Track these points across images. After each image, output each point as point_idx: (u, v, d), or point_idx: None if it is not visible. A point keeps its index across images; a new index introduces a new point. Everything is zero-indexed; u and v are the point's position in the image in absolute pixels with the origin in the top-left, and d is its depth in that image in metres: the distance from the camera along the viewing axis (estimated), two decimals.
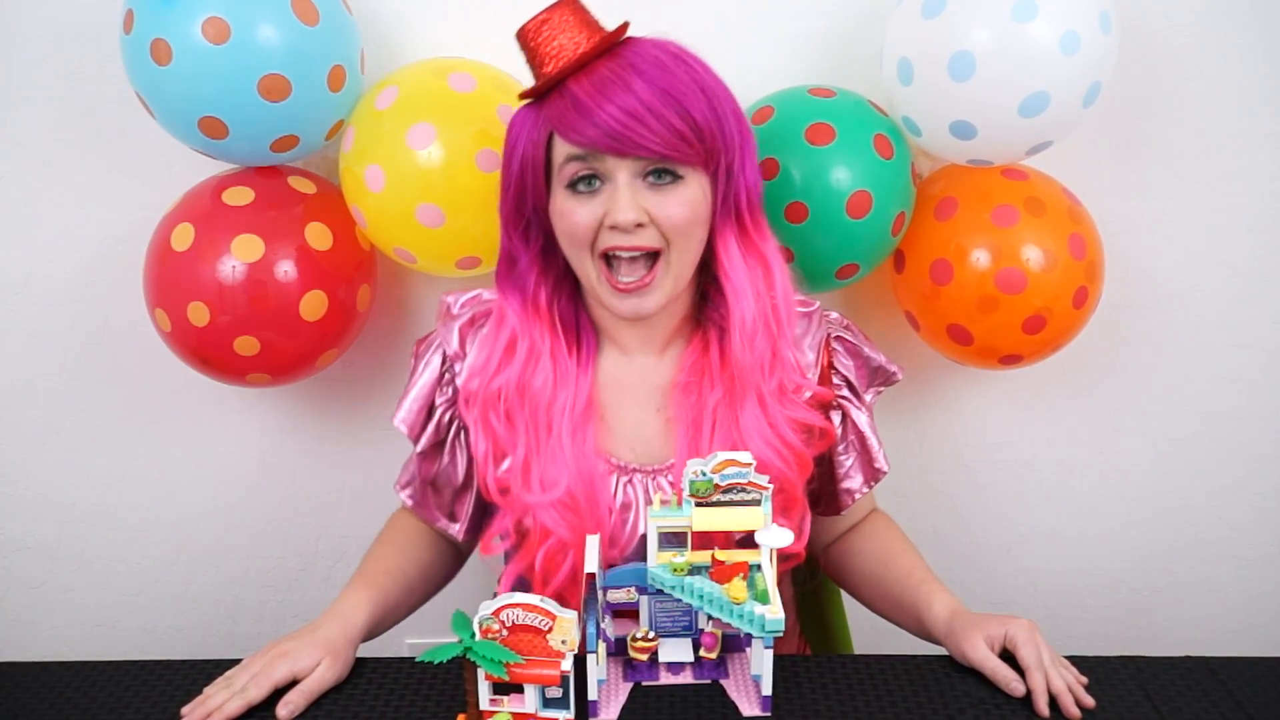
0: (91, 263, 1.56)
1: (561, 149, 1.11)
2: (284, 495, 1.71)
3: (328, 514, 1.72)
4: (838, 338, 1.27)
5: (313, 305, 1.36)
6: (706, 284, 1.21)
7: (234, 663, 1.11)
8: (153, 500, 1.70)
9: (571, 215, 1.12)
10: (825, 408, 1.25)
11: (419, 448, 1.25)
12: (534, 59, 1.12)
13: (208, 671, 1.11)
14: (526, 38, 1.12)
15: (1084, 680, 1.09)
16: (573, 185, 1.12)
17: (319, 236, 1.37)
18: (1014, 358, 1.44)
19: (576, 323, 1.22)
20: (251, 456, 1.68)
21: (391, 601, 1.21)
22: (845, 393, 1.27)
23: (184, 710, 1.05)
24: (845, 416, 1.28)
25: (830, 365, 1.26)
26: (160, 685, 1.11)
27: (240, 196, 1.36)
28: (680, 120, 1.07)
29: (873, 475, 1.30)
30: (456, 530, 1.29)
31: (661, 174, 1.10)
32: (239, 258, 1.33)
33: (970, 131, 1.32)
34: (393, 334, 1.62)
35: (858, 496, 1.30)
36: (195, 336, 1.36)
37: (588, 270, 1.15)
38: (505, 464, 1.19)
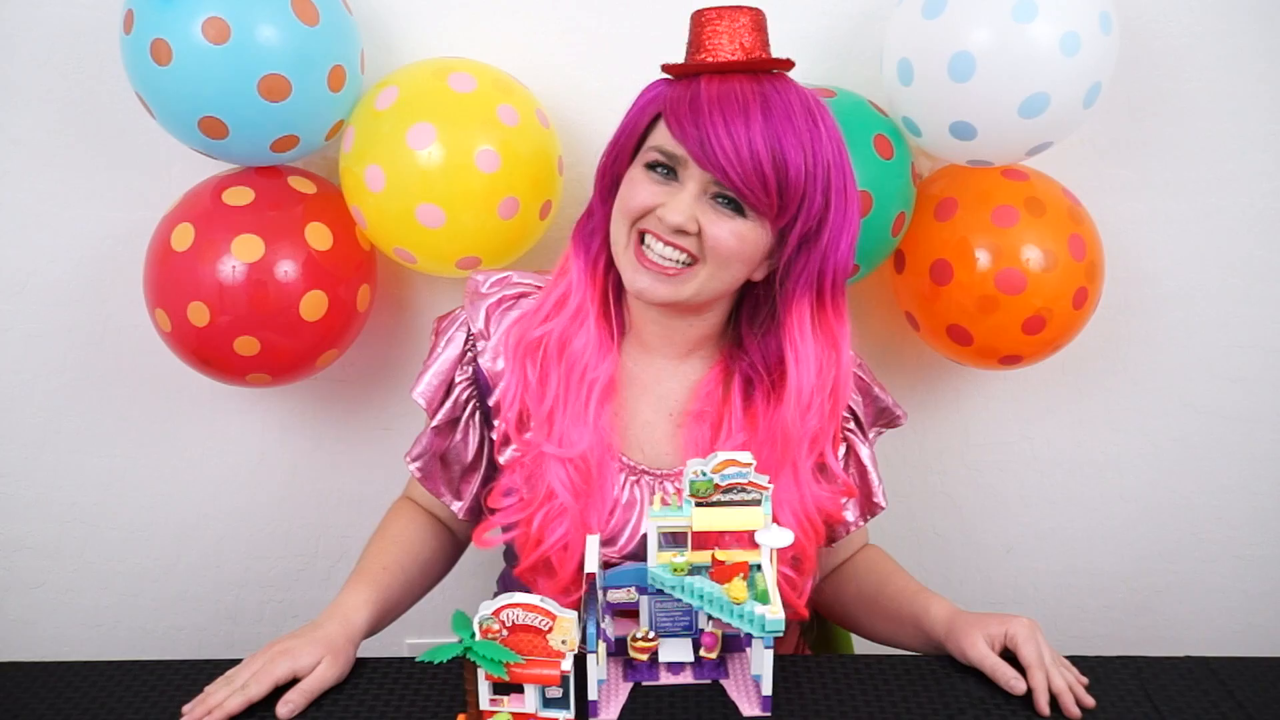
0: (92, 263, 1.56)
1: (659, 132, 1.12)
2: (284, 495, 1.71)
3: (328, 513, 1.72)
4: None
5: (313, 305, 1.36)
6: (748, 330, 1.21)
7: (234, 662, 1.11)
8: (153, 500, 1.70)
9: (634, 186, 1.14)
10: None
11: (434, 422, 1.25)
12: (693, 42, 1.13)
13: (208, 671, 1.11)
14: (698, 21, 1.12)
15: (1085, 681, 1.09)
16: (651, 166, 1.13)
17: (319, 236, 1.37)
18: (1014, 358, 1.44)
19: (616, 306, 1.23)
20: (251, 456, 1.68)
21: (393, 598, 1.21)
22: (851, 426, 1.28)
23: (185, 709, 1.05)
24: (850, 449, 1.28)
25: None
26: (160, 685, 1.11)
27: (240, 196, 1.36)
28: (771, 167, 1.07)
29: (869, 509, 1.31)
30: (459, 508, 1.28)
31: (728, 201, 1.11)
32: (239, 258, 1.33)
33: (970, 132, 1.32)
34: (393, 334, 1.62)
35: (852, 529, 1.30)
36: (195, 336, 1.36)
37: (620, 237, 1.15)
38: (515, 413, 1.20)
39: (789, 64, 1.13)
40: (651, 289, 1.14)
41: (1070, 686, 1.07)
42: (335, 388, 1.64)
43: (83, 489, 1.69)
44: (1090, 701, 1.07)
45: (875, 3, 1.45)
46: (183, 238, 1.34)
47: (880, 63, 1.39)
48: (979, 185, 1.42)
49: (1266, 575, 1.78)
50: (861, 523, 1.31)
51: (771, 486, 1.06)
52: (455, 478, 1.28)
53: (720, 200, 1.11)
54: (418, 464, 1.28)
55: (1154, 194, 1.56)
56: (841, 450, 1.27)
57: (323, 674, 1.08)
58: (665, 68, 1.15)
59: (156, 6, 1.24)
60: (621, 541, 1.19)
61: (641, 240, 1.14)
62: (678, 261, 1.13)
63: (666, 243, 1.12)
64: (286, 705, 1.05)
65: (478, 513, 1.28)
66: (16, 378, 1.62)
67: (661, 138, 1.12)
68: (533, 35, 1.48)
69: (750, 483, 1.05)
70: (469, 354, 1.24)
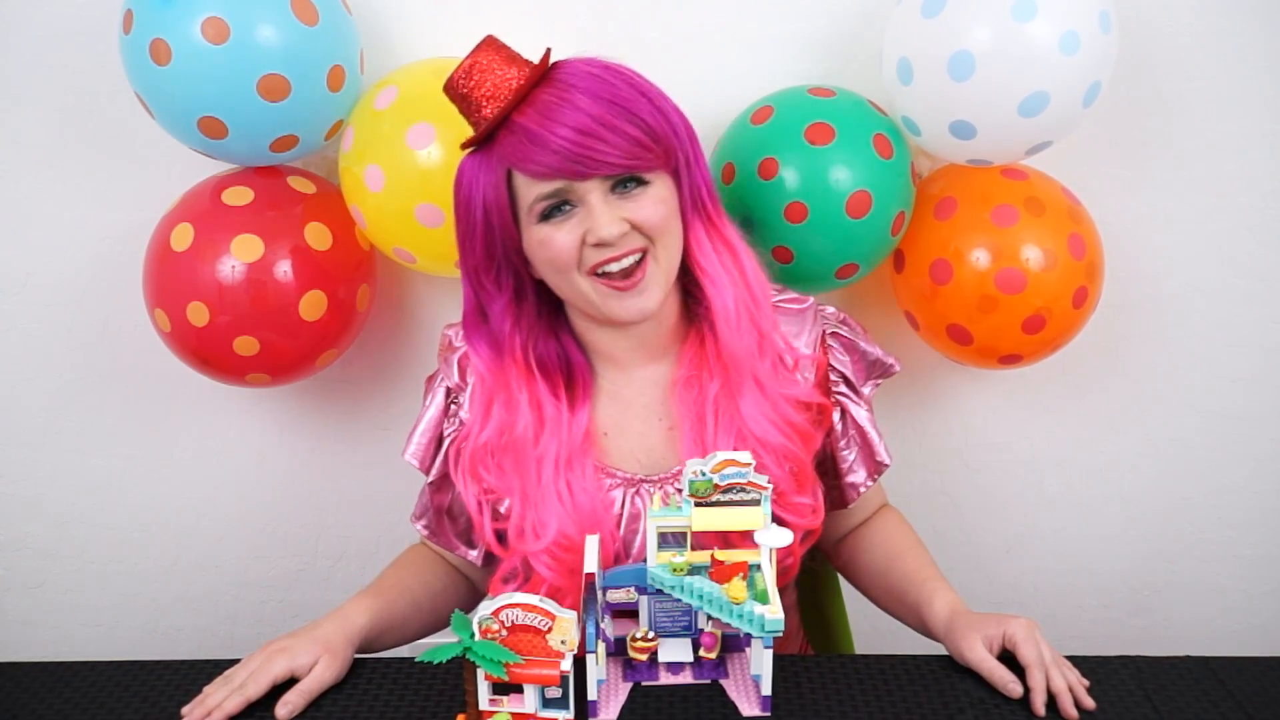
0: (91, 263, 1.56)
1: (527, 186, 1.10)
2: (283, 495, 1.71)
3: (327, 514, 1.72)
4: (833, 333, 1.27)
5: (312, 305, 1.36)
6: (688, 283, 1.22)
7: (234, 663, 1.11)
8: (152, 500, 1.70)
9: (552, 242, 1.12)
10: (822, 387, 1.25)
11: (430, 478, 1.26)
12: (469, 106, 1.12)
13: (207, 671, 1.11)
14: (457, 88, 1.11)
15: (1086, 682, 1.09)
16: (546, 216, 1.12)
17: (318, 236, 1.37)
18: (1014, 357, 1.44)
19: (563, 360, 1.22)
20: (251, 457, 1.68)
21: (396, 614, 1.21)
22: (843, 389, 1.27)
23: (184, 710, 1.05)
24: (845, 413, 1.27)
25: (827, 363, 1.26)
26: (160, 685, 1.11)
27: (240, 196, 1.36)
28: (634, 128, 1.08)
29: (875, 469, 1.30)
30: (475, 557, 1.29)
31: (629, 183, 1.11)
32: (238, 258, 1.33)
33: (970, 131, 1.32)
34: (392, 334, 1.62)
35: (862, 490, 1.30)
36: (195, 336, 1.36)
37: (580, 289, 1.14)
38: (504, 505, 1.20)
39: (548, 52, 1.12)
40: (643, 305, 1.14)
41: (1071, 687, 1.07)
42: (335, 388, 1.64)
43: (82, 489, 1.69)
44: (1090, 703, 1.06)
45: (874, 2, 1.45)
46: (182, 238, 1.34)
47: (879, 62, 1.39)
48: (978, 184, 1.42)
49: (1266, 575, 1.78)
50: (870, 483, 1.30)
51: (770, 486, 1.06)
52: (464, 528, 1.28)
53: (622, 187, 1.11)
54: (423, 522, 1.29)
55: (1154, 193, 1.56)
56: (836, 415, 1.27)
57: (321, 674, 1.08)
58: (468, 142, 1.13)
59: (156, 6, 1.24)
60: (634, 551, 1.20)
61: (598, 273, 1.13)
62: (635, 261, 1.12)
63: (620, 255, 1.11)
64: (285, 706, 1.05)
65: (495, 559, 1.27)
66: (16, 378, 1.62)
67: (533, 189, 1.10)
68: (529, 35, 1.47)
69: (749, 482, 1.05)
70: (452, 408, 1.25)
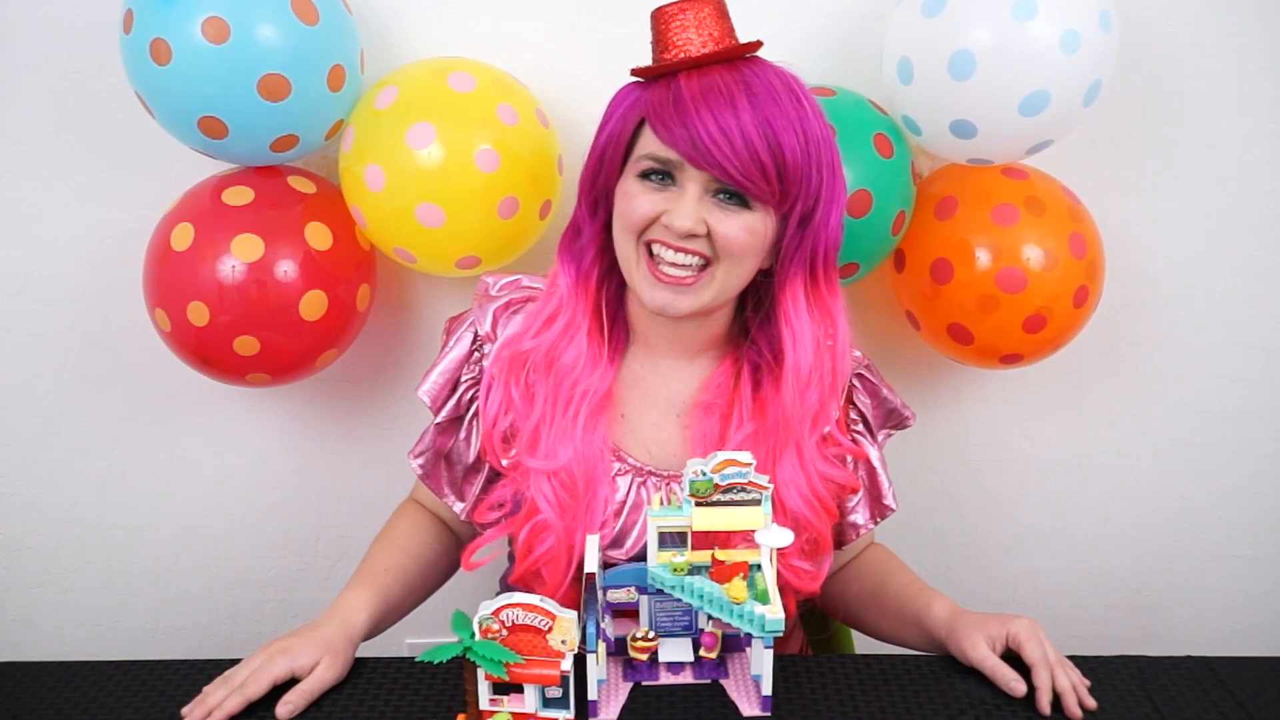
0: (91, 262, 1.56)
1: (648, 139, 1.10)
2: (284, 495, 1.71)
3: (327, 514, 1.72)
4: (858, 375, 1.27)
5: (312, 305, 1.36)
6: (752, 319, 1.21)
7: (234, 662, 1.11)
8: (153, 500, 1.70)
9: (633, 199, 1.11)
10: (841, 429, 1.25)
11: (438, 419, 1.25)
12: (659, 41, 1.10)
13: (208, 672, 1.11)
14: (660, 19, 1.10)
15: (1087, 682, 1.09)
16: (645, 175, 1.11)
17: (319, 236, 1.37)
18: (1014, 357, 1.44)
19: (621, 315, 1.22)
20: (251, 456, 1.68)
21: (394, 600, 1.21)
22: (860, 428, 1.28)
23: (184, 710, 1.05)
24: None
25: (850, 400, 1.27)
26: (160, 685, 1.11)
27: (240, 196, 1.36)
28: (768, 155, 1.06)
29: (879, 511, 1.30)
30: (461, 509, 1.28)
31: (731, 195, 1.10)
32: (239, 257, 1.32)
33: (970, 130, 1.32)
34: (393, 334, 1.62)
35: (861, 532, 1.30)
36: (195, 336, 1.35)
37: (629, 254, 1.14)
38: (506, 420, 1.19)
39: (758, 44, 1.11)
40: (672, 303, 1.12)
41: (1074, 687, 1.07)
42: (335, 388, 1.64)
43: (83, 489, 1.68)
44: (1092, 703, 1.07)
45: (875, 1, 1.45)
46: (182, 237, 1.34)
47: (880, 61, 1.39)
48: (979, 184, 1.42)
49: (1267, 575, 1.78)
50: (871, 525, 1.30)
51: (771, 486, 1.06)
52: (458, 478, 1.28)
53: (723, 196, 1.10)
54: (420, 460, 1.27)
55: (1154, 193, 1.56)
56: (849, 459, 1.27)
57: (322, 675, 1.08)
58: (635, 71, 1.12)
59: (156, 6, 1.24)
60: (629, 543, 1.19)
61: (650, 252, 1.12)
62: (692, 267, 1.11)
63: (678, 249, 1.10)
64: (286, 706, 1.05)
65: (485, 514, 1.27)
66: (16, 377, 1.62)
67: (651, 144, 1.10)
68: (532, 34, 1.48)
69: (750, 482, 1.05)
70: (475, 355, 1.24)
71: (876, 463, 1.29)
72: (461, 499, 1.28)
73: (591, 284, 1.19)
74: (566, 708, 1.01)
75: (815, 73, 1.47)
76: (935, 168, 1.51)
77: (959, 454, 1.71)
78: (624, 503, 1.19)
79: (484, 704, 1.01)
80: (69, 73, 1.47)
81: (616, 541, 1.19)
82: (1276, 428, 1.68)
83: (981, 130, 1.31)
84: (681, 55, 1.08)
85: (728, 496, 1.06)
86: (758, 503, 1.06)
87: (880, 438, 1.30)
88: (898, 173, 1.38)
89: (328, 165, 1.48)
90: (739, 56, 1.10)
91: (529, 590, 1.19)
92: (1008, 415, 1.69)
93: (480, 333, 1.24)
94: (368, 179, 1.34)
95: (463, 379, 1.25)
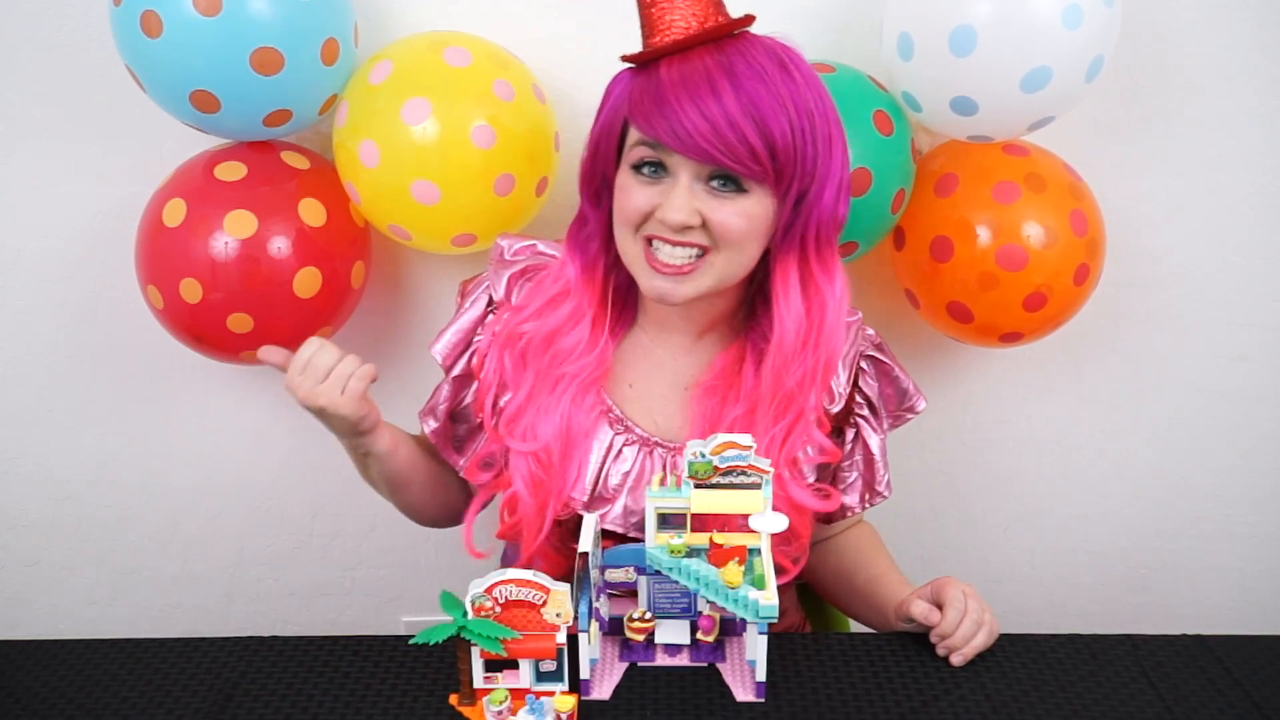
0: (83, 239, 1.54)
1: (635, 130, 1.08)
2: (279, 473, 1.70)
3: (323, 491, 1.72)
4: (868, 356, 1.26)
5: (306, 282, 1.35)
6: (756, 300, 1.19)
7: (231, 641, 1.11)
8: (148, 478, 1.70)
9: (627, 194, 1.10)
10: (837, 432, 1.25)
11: (454, 374, 1.26)
12: (646, 24, 1.07)
13: (204, 649, 1.11)
14: (644, 1, 1.07)
15: (987, 646, 1.10)
16: (638, 167, 1.09)
17: (312, 213, 1.36)
18: (1014, 335, 1.44)
19: (624, 299, 1.21)
20: (246, 434, 1.68)
21: (402, 450, 1.23)
22: (865, 412, 1.27)
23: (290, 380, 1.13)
24: (858, 434, 1.27)
25: (855, 383, 1.25)
26: (156, 663, 1.11)
27: (233, 172, 1.35)
28: (757, 137, 1.02)
29: (871, 495, 1.30)
30: (461, 464, 1.29)
31: (725, 181, 1.07)
32: (231, 234, 1.31)
33: (971, 107, 1.31)
34: (387, 311, 1.61)
35: (850, 514, 1.29)
36: (188, 313, 1.35)
37: (627, 247, 1.13)
38: (506, 398, 1.20)
39: (748, 20, 1.08)
40: (671, 291, 1.11)
41: (966, 640, 1.09)
42: None
43: (77, 466, 1.68)
44: (964, 661, 1.09)
45: None
46: (174, 213, 1.33)
47: (880, 37, 1.38)
48: (979, 161, 1.41)
49: (1264, 554, 1.78)
50: (861, 508, 1.30)
51: (772, 470, 1.05)
52: (462, 436, 1.29)
53: (717, 183, 1.07)
54: (430, 420, 1.28)
55: (1155, 170, 1.55)
56: (850, 434, 1.26)
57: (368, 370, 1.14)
58: (625, 58, 1.10)
59: None
60: (622, 510, 1.18)
61: (650, 244, 1.11)
62: (690, 258, 1.10)
63: (674, 243, 1.09)
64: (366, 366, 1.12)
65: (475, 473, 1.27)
66: (9, 354, 1.61)
67: (638, 135, 1.08)
68: (529, 9, 1.46)
69: (750, 465, 1.04)
70: (490, 318, 1.24)
71: (876, 450, 1.27)
72: (462, 456, 1.29)
73: (598, 273, 1.19)
74: (561, 680, 1.01)
75: (814, 49, 1.45)
76: (935, 144, 1.50)
77: (958, 433, 1.71)
78: (628, 474, 1.19)
79: (478, 682, 1.01)
80: (58, 46, 1.45)
81: (609, 500, 1.19)
82: (1275, 406, 1.68)
83: (982, 106, 1.30)
84: (667, 39, 1.05)
85: (727, 479, 1.05)
86: (757, 485, 1.05)
87: (886, 426, 1.29)
88: (897, 150, 1.37)
89: (321, 141, 1.47)
90: (726, 35, 1.07)
91: (517, 544, 1.21)
92: (1007, 394, 1.69)
93: (495, 298, 1.24)
94: (362, 155, 1.32)
95: (475, 340, 1.25)
